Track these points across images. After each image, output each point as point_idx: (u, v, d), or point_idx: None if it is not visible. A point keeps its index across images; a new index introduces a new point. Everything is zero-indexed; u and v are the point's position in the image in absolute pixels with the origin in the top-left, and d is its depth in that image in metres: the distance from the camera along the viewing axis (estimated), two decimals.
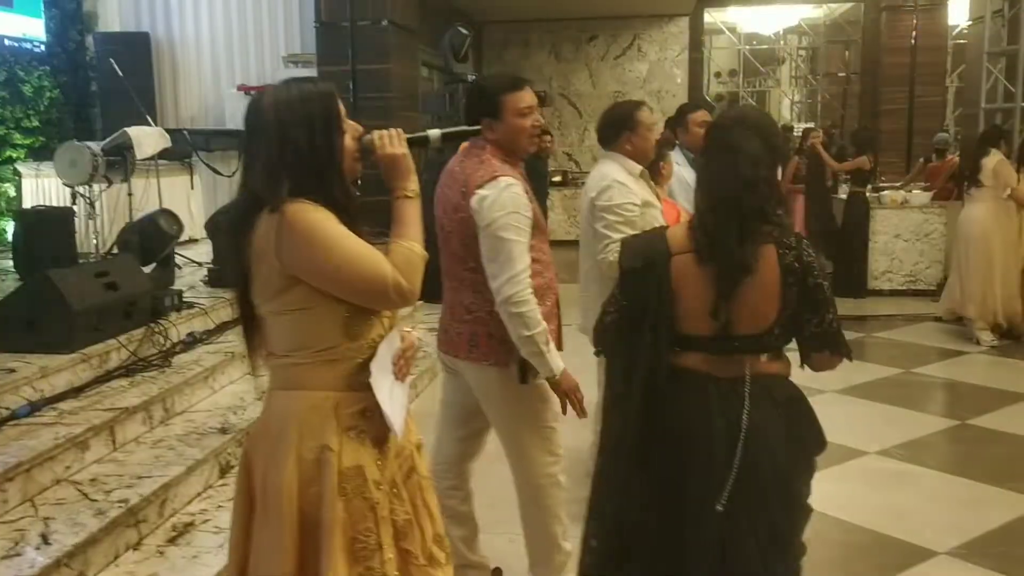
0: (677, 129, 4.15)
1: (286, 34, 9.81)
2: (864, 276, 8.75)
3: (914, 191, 9.09)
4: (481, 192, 2.69)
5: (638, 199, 3.44)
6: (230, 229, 1.92)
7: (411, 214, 1.96)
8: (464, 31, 8.69)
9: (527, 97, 2.78)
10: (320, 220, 1.82)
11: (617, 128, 3.56)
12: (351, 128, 1.92)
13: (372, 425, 1.92)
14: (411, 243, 1.91)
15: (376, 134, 1.95)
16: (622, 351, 2.21)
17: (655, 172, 3.81)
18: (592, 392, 2.97)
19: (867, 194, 8.83)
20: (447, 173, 2.88)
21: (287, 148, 1.84)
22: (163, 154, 8.00)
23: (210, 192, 8.97)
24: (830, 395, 5.68)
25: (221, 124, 9.60)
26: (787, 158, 9.55)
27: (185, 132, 8.92)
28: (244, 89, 9.56)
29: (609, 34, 13.77)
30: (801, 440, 2.15)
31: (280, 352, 1.92)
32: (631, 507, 2.19)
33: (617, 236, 3.37)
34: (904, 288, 8.77)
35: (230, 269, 1.97)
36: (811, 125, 11.33)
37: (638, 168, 3.53)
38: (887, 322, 7.86)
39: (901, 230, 8.75)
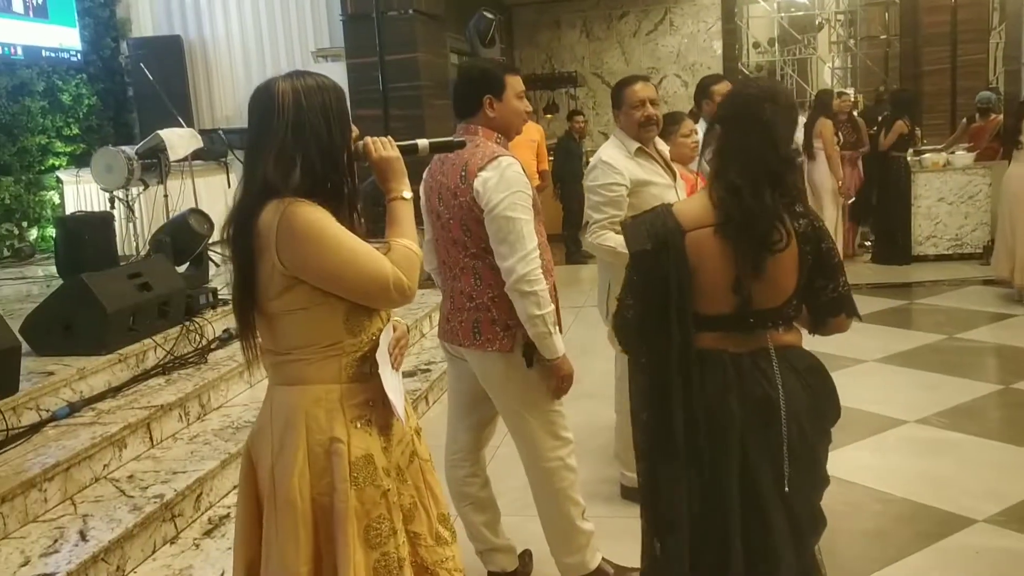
0: (702, 101, 4.09)
1: (315, 29, 9.87)
2: (908, 242, 8.57)
3: (957, 152, 8.85)
4: (484, 174, 2.67)
5: (625, 179, 3.40)
6: (233, 217, 1.88)
7: (406, 215, 1.99)
8: (489, 15, 8.67)
9: (521, 83, 2.87)
10: (320, 220, 1.83)
11: (614, 106, 3.56)
12: (354, 131, 1.97)
13: (377, 414, 1.96)
14: (409, 242, 1.95)
15: (368, 140, 1.98)
16: (651, 341, 2.14)
17: (674, 147, 3.77)
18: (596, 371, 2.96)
19: (908, 158, 8.63)
20: (438, 161, 2.86)
21: (304, 132, 1.83)
22: (199, 154, 8.15)
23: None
24: (870, 364, 5.59)
25: None
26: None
27: (220, 132, 9.08)
28: None
29: (640, 10, 13.62)
30: (821, 410, 2.15)
31: (282, 350, 1.93)
32: (687, 506, 2.14)
33: (599, 216, 3.40)
34: (950, 252, 8.57)
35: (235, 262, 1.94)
36: (846, 91, 11.03)
37: (635, 145, 3.48)
38: (932, 288, 7.70)
39: (944, 193, 8.55)
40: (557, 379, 2.79)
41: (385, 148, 1.99)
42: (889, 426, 4.55)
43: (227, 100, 10.02)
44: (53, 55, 8.70)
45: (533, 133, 7.59)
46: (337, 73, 9.07)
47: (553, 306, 2.72)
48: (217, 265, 6.71)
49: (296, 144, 1.83)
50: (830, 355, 5.69)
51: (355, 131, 1.96)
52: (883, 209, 8.72)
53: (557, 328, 2.75)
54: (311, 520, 1.90)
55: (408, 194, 1.99)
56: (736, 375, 2.10)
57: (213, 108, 10.09)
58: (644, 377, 2.18)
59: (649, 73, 12.90)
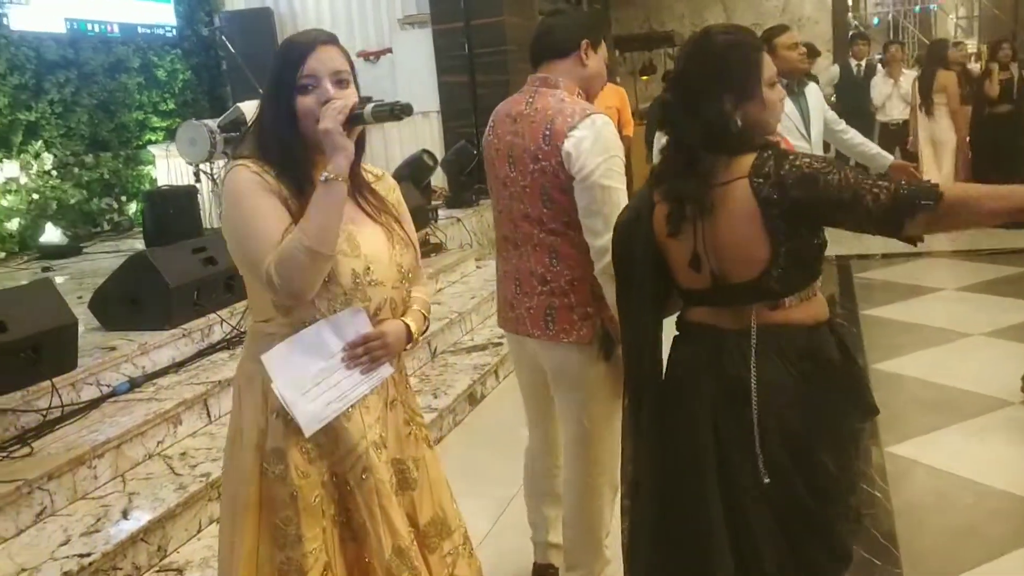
0: None
1: None
2: None
3: None
4: (576, 133, 2.32)
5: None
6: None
7: (316, 201, 1.72)
8: None
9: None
10: (242, 186, 1.75)
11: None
12: (321, 92, 1.77)
13: None
14: (300, 235, 1.69)
15: (326, 106, 1.74)
16: (624, 318, 2.04)
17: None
18: None
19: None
20: (506, 119, 2.51)
21: (265, 96, 1.83)
22: None
23: None
24: (976, 338, 5.16)
25: None
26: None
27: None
28: (363, 55, 9.61)
29: None
30: (823, 403, 1.84)
31: (252, 314, 1.96)
32: (655, 475, 2.00)
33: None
34: None
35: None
36: (964, 41, 10.26)
37: None
38: None
39: None
40: None
41: (324, 118, 1.73)
42: (992, 408, 4.15)
43: None
44: (149, 31, 8.87)
45: (611, 98, 7.25)
46: (422, 40, 8.97)
47: None
48: None
49: (262, 108, 1.84)
50: (930, 327, 5.37)
51: (328, 94, 1.76)
52: (1007, 166, 8.08)
53: None
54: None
55: (324, 176, 1.71)
56: (715, 352, 1.89)
57: None
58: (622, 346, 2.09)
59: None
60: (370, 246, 1.86)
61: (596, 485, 2.64)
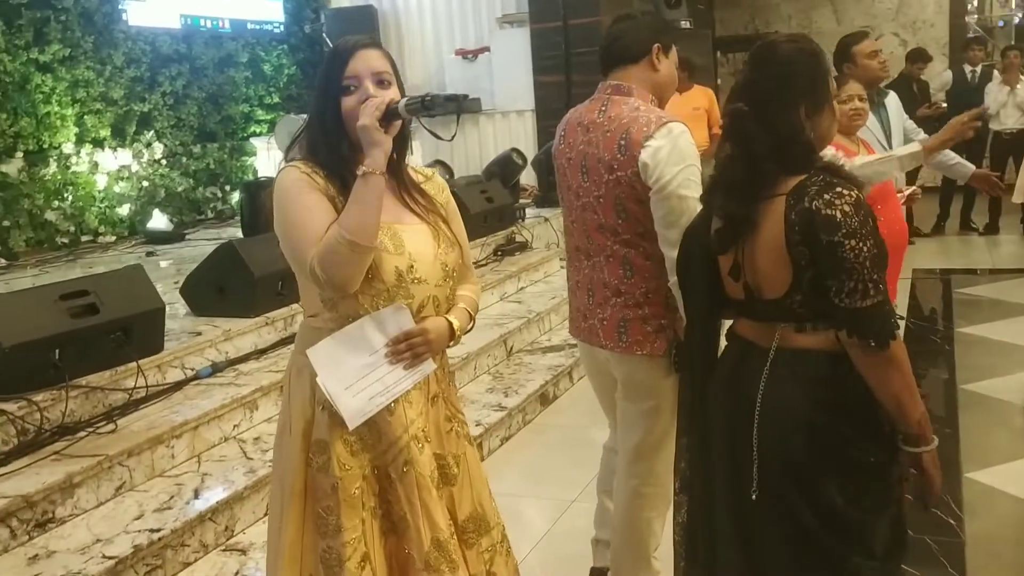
0: (844, 65, 3.64)
1: None
2: None
3: None
4: (653, 143, 2.28)
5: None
6: None
7: (355, 195, 1.78)
8: None
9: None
10: (290, 184, 1.83)
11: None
12: (362, 92, 1.84)
13: None
14: (340, 229, 1.75)
15: (365, 103, 1.80)
16: (686, 318, 2.08)
17: None
18: None
19: None
20: (578, 128, 2.49)
21: (311, 101, 1.94)
22: None
23: (431, 156, 9.24)
24: None
25: (442, 89, 9.84)
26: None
27: (433, 94, 9.26)
28: (461, 53, 9.73)
29: None
30: (833, 433, 1.78)
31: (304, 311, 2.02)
32: (694, 480, 2.03)
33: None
34: None
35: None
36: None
37: None
38: None
39: None
40: None
41: (362, 114, 1.78)
42: None
43: (416, 68, 10.20)
44: (258, 27, 9.19)
45: (698, 99, 7.12)
46: (520, 39, 9.03)
47: None
48: None
49: (310, 111, 1.94)
50: (1009, 344, 5.11)
51: (366, 95, 1.82)
52: None
53: None
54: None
55: (361, 171, 1.76)
56: (739, 366, 1.88)
57: (404, 76, 10.24)
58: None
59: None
60: (414, 244, 1.90)
61: (648, 495, 2.62)
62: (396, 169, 1.93)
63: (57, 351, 3.40)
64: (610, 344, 2.50)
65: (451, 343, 1.99)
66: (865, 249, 1.69)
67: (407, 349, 1.88)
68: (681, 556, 2.10)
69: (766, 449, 1.79)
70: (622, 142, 2.34)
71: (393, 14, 10.20)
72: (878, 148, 3.57)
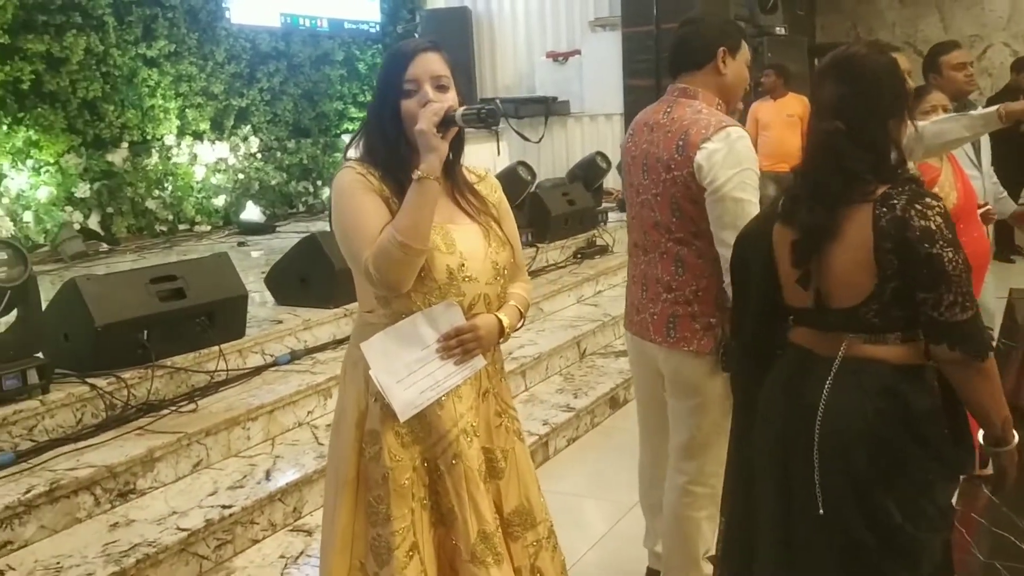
0: (930, 75, 3.53)
1: None
2: None
3: None
4: (709, 145, 2.34)
5: None
6: None
7: (410, 198, 1.82)
8: None
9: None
10: (346, 184, 1.89)
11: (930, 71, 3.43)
12: (422, 95, 1.86)
13: None
14: (393, 231, 1.80)
15: (426, 107, 1.83)
16: (735, 327, 2.07)
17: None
18: None
19: None
20: (648, 128, 2.54)
21: (373, 100, 2.02)
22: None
23: (518, 158, 9.30)
24: None
25: (532, 91, 9.92)
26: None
27: (497, 101, 9.37)
28: (552, 56, 9.79)
29: None
30: (896, 447, 1.76)
31: (359, 307, 2.07)
32: (739, 496, 2.03)
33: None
34: None
35: None
36: None
37: None
38: None
39: None
40: None
41: (420, 119, 1.82)
42: None
43: (508, 69, 10.30)
44: (354, 27, 9.42)
45: (792, 106, 7.00)
46: (611, 43, 9.03)
47: None
48: None
49: (369, 112, 2.02)
50: None
51: (428, 97, 1.84)
52: None
53: None
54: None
55: (417, 175, 1.81)
56: (799, 375, 1.86)
57: (495, 78, 10.43)
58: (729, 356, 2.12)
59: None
60: (465, 244, 1.94)
61: (697, 495, 2.64)
62: (451, 170, 1.97)
63: (145, 332, 3.58)
64: (659, 339, 2.56)
65: (501, 340, 2.03)
66: (961, 261, 1.70)
67: (458, 345, 1.92)
68: (719, 557, 2.11)
69: (827, 459, 1.78)
70: (680, 143, 2.40)
71: (487, 16, 10.32)
72: (968, 164, 3.44)
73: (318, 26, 8.96)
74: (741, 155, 2.35)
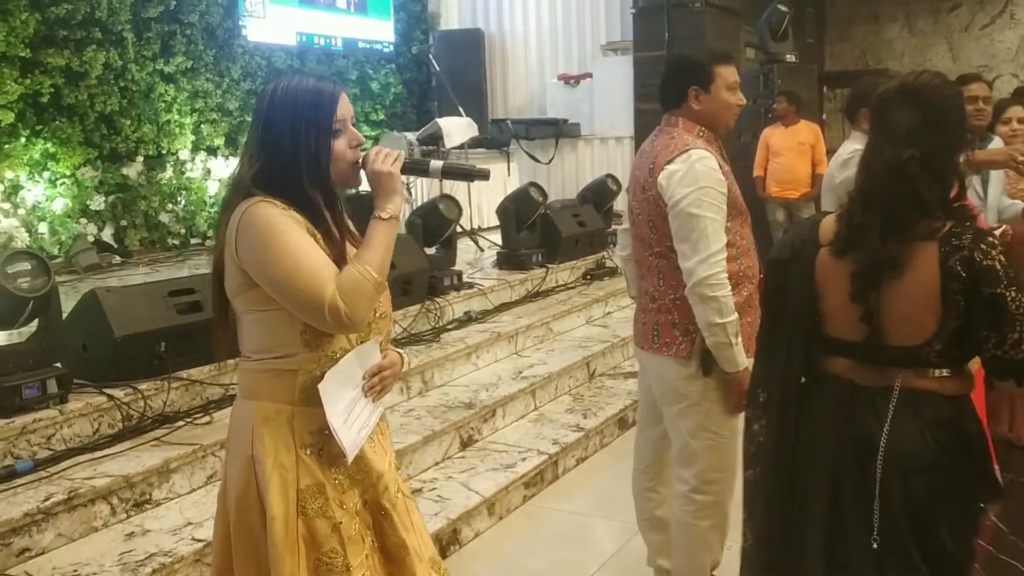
0: None
1: (607, 22, 9.96)
2: None
3: None
4: (670, 167, 2.56)
5: None
6: (221, 211, 1.93)
7: (379, 237, 1.80)
8: (783, 8, 8.30)
9: (735, 73, 2.70)
10: (273, 222, 1.76)
11: (857, 103, 3.35)
12: (351, 135, 1.86)
13: (332, 445, 1.82)
14: (365, 267, 1.76)
15: (373, 150, 1.87)
16: (763, 353, 2.04)
17: None
18: None
19: None
20: (639, 154, 2.80)
21: (269, 135, 1.83)
22: (483, 143, 8.56)
23: (528, 179, 9.38)
24: None
25: (543, 113, 10.01)
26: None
27: (508, 122, 9.48)
28: (564, 78, 9.89)
29: (975, 1, 12.26)
30: (954, 476, 1.78)
31: (245, 354, 1.89)
32: (774, 521, 2.01)
33: None
34: None
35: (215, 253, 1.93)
36: None
37: None
38: None
39: None
40: (736, 394, 2.60)
41: (382, 162, 1.83)
42: None
43: (519, 91, 10.40)
44: (368, 47, 9.50)
45: (804, 134, 7.06)
46: (622, 66, 9.12)
47: (736, 315, 2.53)
48: (482, 249, 7.05)
49: (261, 147, 1.84)
50: None
51: (359, 138, 1.87)
52: None
53: (740, 339, 2.55)
54: (259, 542, 1.83)
55: (387, 215, 1.81)
56: (847, 408, 1.86)
57: (507, 99, 10.52)
58: (754, 383, 2.08)
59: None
60: None
61: (699, 503, 2.70)
62: (335, 208, 1.91)
63: (163, 344, 3.62)
64: (646, 345, 2.76)
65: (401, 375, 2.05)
66: (1021, 299, 1.71)
67: (379, 382, 1.90)
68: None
69: (888, 492, 1.78)
70: (651, 165, 2.63)
71: (499, 38, 10.44)
72: (972, 195, 3.49)
73: (332, 45, 9.05)
74: (699, 174, 2.53)
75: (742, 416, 2.64)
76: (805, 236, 1.95)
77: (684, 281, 2.57)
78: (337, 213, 1.89)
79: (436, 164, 1.92)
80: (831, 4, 12.88)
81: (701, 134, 2.65)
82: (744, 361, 2.56)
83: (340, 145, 1.84)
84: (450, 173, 1.95)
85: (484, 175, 1.98)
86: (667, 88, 2.73)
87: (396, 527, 1.91)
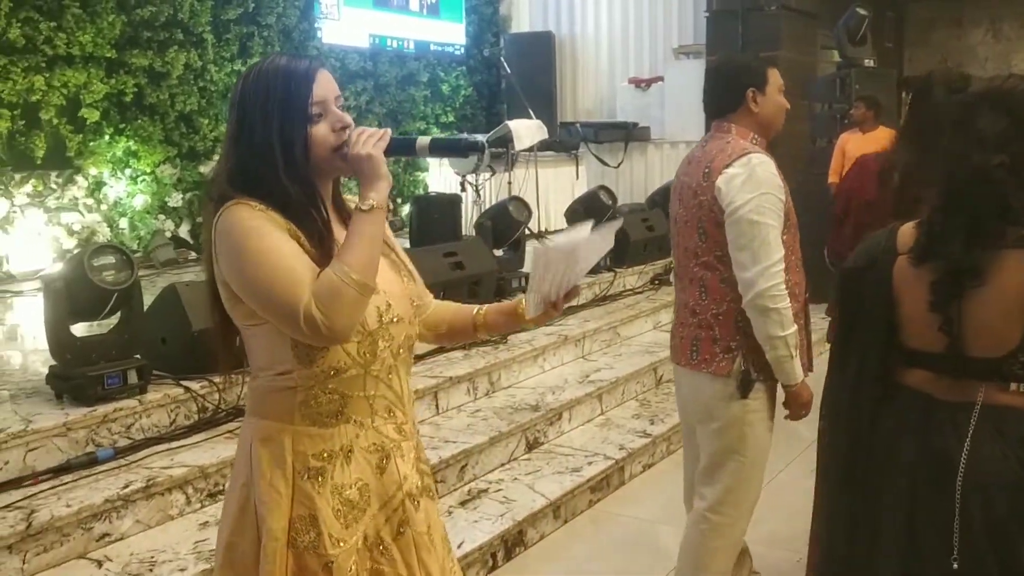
0: None
1: (679, 25, 9.88)
2: None
3: None
4: (730, 171, 2.45)
5: None
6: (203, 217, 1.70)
7: (362, 230, 1.55)
8: (862, 12, 8.11)
9: (780, 77, 2.64)
10: (246, 225, 1.54)
11: None
12: (333, 117, 1.61)
13: (340, 471, 1.62)
14: (344, 268, 1.51)
15: (356, 131, 1.60)
16: (835, 364, 1.98)
17: None
18: None
19: None
20: (685, 162, 2.68)
21: (242, 127, 1.61)
22: (552, 146, 8.56)
23: (596, 182, 9.35)
24: None
25: (613, 116, 9.97)
26: None
27: (578, 125, 9.47)
28: (634, 82, 9.83)
29: None
30: None
31: (253, 370, 1.69)
32: (840, 537, 1.96)
33: None
34: None
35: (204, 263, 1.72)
36: None
37: None
38: None
39: None
40: (795, 406, 2.56)
41: (363, 144, 1.57)
42: None
43: (588, 94, 10.38)
44: (440, 49, 9.60)
45: (882, 140, 6.86)
46: (695, 70, 9.02)
47: (796, 327, 2.47)
48: None
49: (235, 139, 1.62)
50: None
51: (343, 120, 1.61)
52: None
53: (798, 353, 2.50)
54: (249, 566, 1.64)
55: (368, 205, 1.56)
56: (923, 421, 1.79)
57: (576, 102, 10.52)
58: (826, 396, 2.01)
59: None
60: (385, 281, 1.66)
61: (714, 522, 2.64)
62: (338, 198, 1.73)
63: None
64: (683, 361, 2.65)
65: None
66: None
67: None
68: None
69: (968, 510, 1.73)
70: (706, 170, 2.52)
71: (570, 40, 10.43)
72: None
73: (405, 47, 9.16)
74: (761, 180, 2.43)
75: (770, 441, 2.63)
76: (882, 244, 1.89)
77: (731, 294, 2.49)
78: (327, 209, 1.65)
79: (424, 140, 1.70)
80: (912, 7, 12.58)
81: (755, 140, 2.56)
82: (801, 373, 2.52)
83: (320, 130, 1.60)
84: (438, 148, 1.73)
85: (476, 147, 1.77)
86: (719, 93, 2.62)
87: (396, 562, 1.68)
